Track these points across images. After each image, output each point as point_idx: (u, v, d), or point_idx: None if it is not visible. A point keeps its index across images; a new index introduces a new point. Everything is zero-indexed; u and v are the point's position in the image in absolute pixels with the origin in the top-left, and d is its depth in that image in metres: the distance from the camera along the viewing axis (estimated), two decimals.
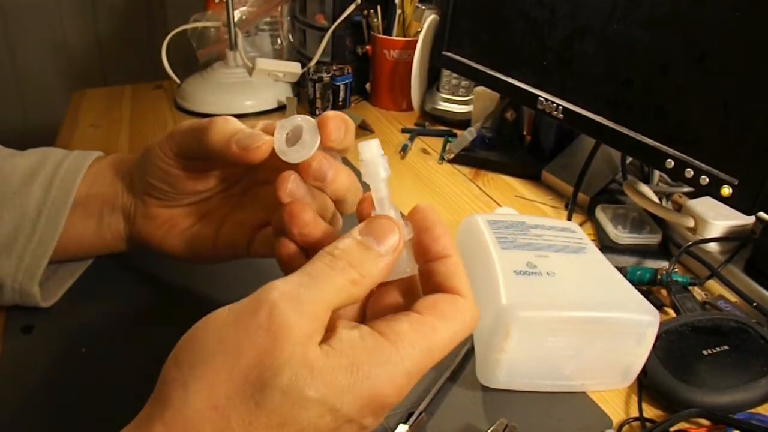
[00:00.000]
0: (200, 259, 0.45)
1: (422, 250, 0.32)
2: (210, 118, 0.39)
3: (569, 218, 0.67)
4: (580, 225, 0.57)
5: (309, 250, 0.34)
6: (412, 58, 0.92)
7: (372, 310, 0.33)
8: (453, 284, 0.31)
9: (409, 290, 0.33)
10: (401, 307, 0.32)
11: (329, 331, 0.28)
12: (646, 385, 0.44)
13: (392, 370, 0.27)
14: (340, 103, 0.97)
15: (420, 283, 0.33)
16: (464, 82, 0.92)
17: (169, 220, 0.44)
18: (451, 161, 0.81)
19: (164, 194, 0.43)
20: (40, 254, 0.44)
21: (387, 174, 0.32)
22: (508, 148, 0.82)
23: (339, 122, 0.35)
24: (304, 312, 0.26)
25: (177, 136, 0.41)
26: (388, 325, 0.29)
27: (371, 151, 0.32)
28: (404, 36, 0.95)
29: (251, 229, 0.43)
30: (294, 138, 0.34)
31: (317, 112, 0.95)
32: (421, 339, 0.28)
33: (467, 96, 0.92)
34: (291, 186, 0.35)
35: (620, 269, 0.52)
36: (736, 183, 0.47)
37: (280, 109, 0.96)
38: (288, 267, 0.34)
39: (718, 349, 0.45)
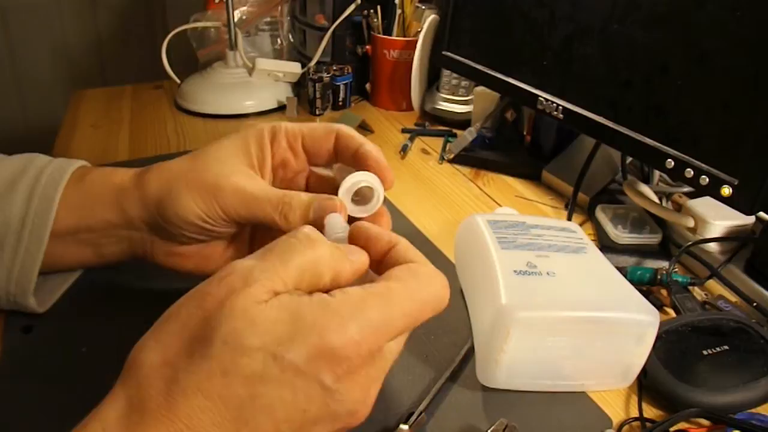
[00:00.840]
0: None
1: (370, 252, 0.33)
2: (280, 205, 0.39)
3: (569, 218, 0.67)
4: (580, 225, 0.57)
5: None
6: (412, 58, 0.92)
7: None
8: (407, 257, 0.32)
9: None
10: None
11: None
12: (646, 385, 0.44)
13: (340, 320, 0.27)
14: (340, 103, 0.97)
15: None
16: (464, 82, 0.92)
17: (198, 253, 0.44)
18: (451, 161, 0.81)
19: (194, 241, 0.43)
20: (29, 266, 0.43)
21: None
22: (508, 148, 0.82)
23: (389, 167, 0.40)
24: (250, 279, 0.27)
25: (231, 210, 0.40)
26: (340, 291, 0.29)
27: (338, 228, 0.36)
28: (404, 36, 0.95)
29: None
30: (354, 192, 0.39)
31: (317, 112, 0.95)
32: (375, 299, 0.28)
33: (467, 96, 0.92)
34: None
35: (620, 269, 0.52)
36: (736, 183, 0.47)
37: (280, 109, 0.96)
38: None
39: (718, 349, 0.45)
